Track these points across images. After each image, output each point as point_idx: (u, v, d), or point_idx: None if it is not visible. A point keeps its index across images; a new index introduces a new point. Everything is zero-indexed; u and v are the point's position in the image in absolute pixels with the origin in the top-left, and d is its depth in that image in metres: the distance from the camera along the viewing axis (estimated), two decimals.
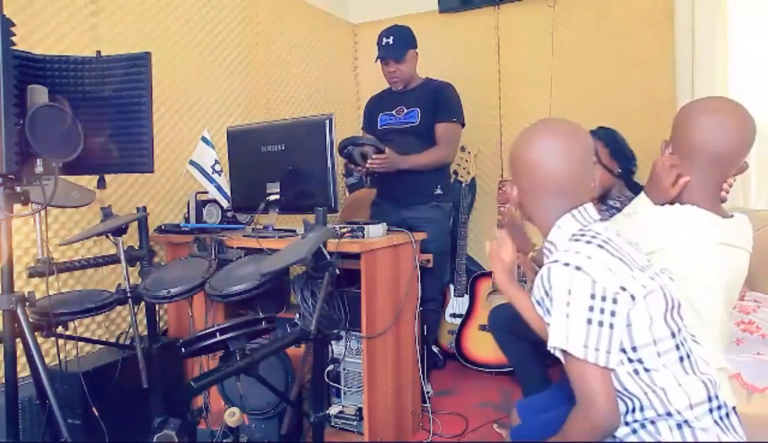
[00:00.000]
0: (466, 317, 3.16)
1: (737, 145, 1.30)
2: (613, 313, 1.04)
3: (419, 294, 2.32)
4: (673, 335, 1.10)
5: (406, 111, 2.84)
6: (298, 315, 1.98)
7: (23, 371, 1.79)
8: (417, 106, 2.82)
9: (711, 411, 1.09)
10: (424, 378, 2.44)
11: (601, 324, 1.04)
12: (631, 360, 1.08)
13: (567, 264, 1.07)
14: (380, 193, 2.94)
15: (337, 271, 1.78)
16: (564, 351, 1.08)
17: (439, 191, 2.82)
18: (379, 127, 2.90)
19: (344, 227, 2.10)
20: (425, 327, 2.75)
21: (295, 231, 2.18)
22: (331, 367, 2.22)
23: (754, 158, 2.80)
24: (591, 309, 1.04)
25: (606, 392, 1.04)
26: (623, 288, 1.05)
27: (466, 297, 3.20)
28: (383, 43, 2.77)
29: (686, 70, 2.88)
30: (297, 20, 3.45)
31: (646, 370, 1.08)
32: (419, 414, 2.40)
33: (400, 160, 2.65)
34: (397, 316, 2.20)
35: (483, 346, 3.05)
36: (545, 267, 1.12)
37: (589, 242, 1.11)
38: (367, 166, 2.56)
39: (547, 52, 3.30)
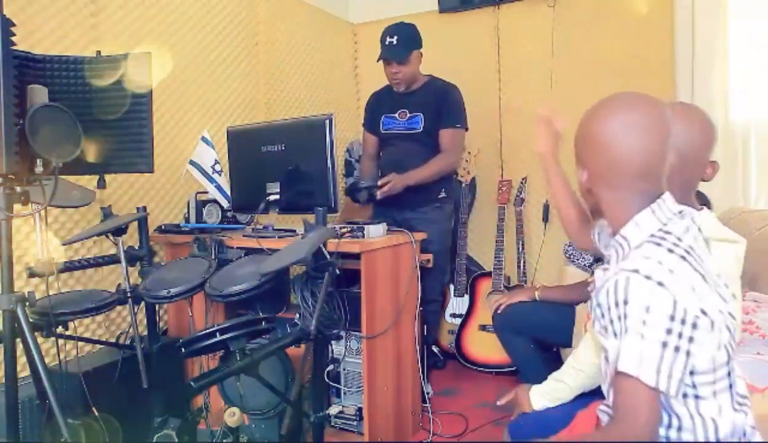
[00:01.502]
0: (466, 317, 3.16)
1: (701, 145, 1.35)
2: (691, 339, 0.95)
3: (419, 294, 2.32)
4: (728, 362, 1.02)
5: (409, 115, 2.80)
6: (298, 315, 1.98)
7: (23, 371, 1.79)
8: (420, 111, 2.77)
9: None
10: (424, 379, 2.44)
11: (677, 349, 0.94)
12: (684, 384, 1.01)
13: (648, 278, 0.96)
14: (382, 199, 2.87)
15: (337, 271, 1.78)
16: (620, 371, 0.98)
17: (443, 194, 2.83)
18: (382, 130, 2.88)
19: (344, 227, 2.10)
20: (425, 327, 2.75)
21: (295, 231, 2.18)
22: (331, 367, 2.22)
23: (753, 158, 2.80)
24: (669, 332, 0.94)
25: (655, 412, 0.97)
26: (704, 312, 0.96)
27: (466, 297, 3.21)
28: (386, 43, 2.69)
29: (686, 70, 2.88)
30: (297, 20, 3.45)
31: (696, 397, 1.01)
32: (419, 414, 2.40)
33: (407, 178, 2.61)
34: (397, 316, 2.20)
35: (483, 346, 3.05)
36: (622, 274, 0.99)
37: (671, 250, 1.00)
38: (378, 196, 2.56)
39: (547, 52, 3.30)
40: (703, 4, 2.82)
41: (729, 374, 1.03)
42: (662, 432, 1.06)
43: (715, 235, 1.32)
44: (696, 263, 1.01)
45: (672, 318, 0.94)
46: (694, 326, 0.95)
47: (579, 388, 1.46)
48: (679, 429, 1.03)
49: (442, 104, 2.76)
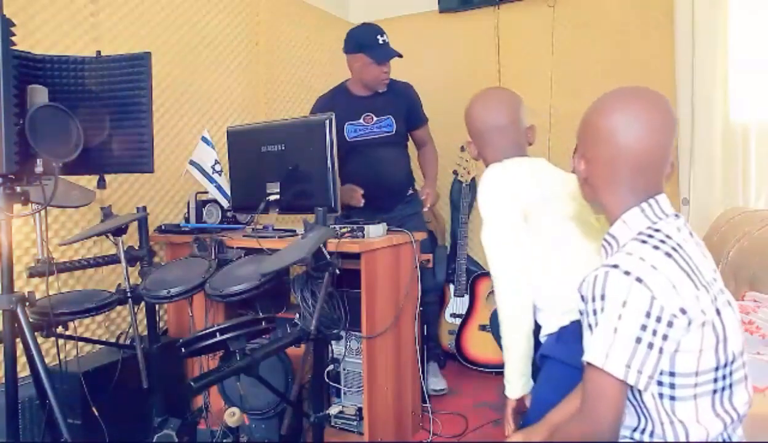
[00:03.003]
0: (466, 317, 3.16)
1: None
2: (665, 337, 0.95)
3: (419, 294, 2.32)
4: (717, 368, 1.00)
5: (377, 118, 2.68)
6: (298, 315, 1.98)
7: (23, 371, 1.79)
8: (389, 114, 2.66)
9: None
10: (424, 377, 2.44)
11: (650, 346, 0.94)
12: (660, 384, 1.00)
13: (627, 274, 0.96)
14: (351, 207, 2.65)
15: (337, 271, 1.78)
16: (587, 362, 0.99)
17: (411, 191, 2.82)
18: (348, 139, 2.67)
19: (344, 227, 2.10)
20: (425, 325, 2.75)
21: (295, 231, 2.18)
22: (331, 367, 2.22)
23: (753, 158, 2.80)
24: (643, 328, 0.94)
25: (619, 404, 0.97)
26: (683, 311, 0.95)
27: (466, 297, 3.20)
28: (381, 42, 2.57)
29: (686, 70, 2.88)
30: (297, 20, 3.45)
31: (672, 398, 1.00)
32: (419, 414, 2.40)
33: (433, 184, 2.77)
34: (397, 316, 2.20)
35: (483, 346, 3.05)
36: (602, 269, 0.99)
37: (656, 247, 0.99)
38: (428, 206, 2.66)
39: (547, 52, 3.30)
40: (703, 4, 2.82)
41: (715, 380, 1.01)
42: (636, 435, 1.05)
43: None
44: (683, 261, 0.99)
45: (648, 314, 0.94)
46: (670, 324, 0.95)
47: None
48: (651, 434, 1.02)
49: (410, 105, 2.73)
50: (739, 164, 2.81)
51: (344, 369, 2.24)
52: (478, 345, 3.08)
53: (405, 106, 2.71)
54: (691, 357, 0.98)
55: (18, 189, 1.47)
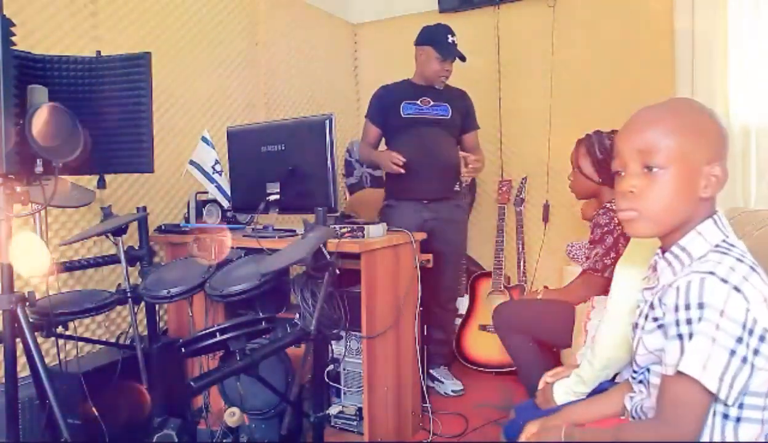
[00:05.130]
0: (466, 317, 3.16)
1: None
2: (756, 352, 0.90)
3: (419, 294, 2.32)
4: None
5: (432, 103, 2.80)
6: (298, 315, 1.98)
7: (23, 371, 1.79)
8: (446, 102, 2.82)
9: None
10: (425, 377, 2.44)
11: (744, 360, 0.90)
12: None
13: (725, 281, 0.91)
14: (397, 192, 2.81)
15: (337, 271, 1.78)
16: (681, 372, 0.93)
17: (457, 188, 2.86)
18: (403, 115, 2.78)
19: (344, 227, 2.10)
20: (425, 328, 2.75)
21: (295, 231, 2.18)
22: (331, 367, 2.22)
23: (753, 158, 2.80)
24: (740, 340, 0.89)
25: (704, 418, 0.94)
26: None
27: (466, 297, 3.20)
28: (450, 41, 2.74)
29: (686, 70, 2.88)
30: (297, 20, 3.45)
31: (738, 419, 0.95)
32: (419, 414, 2.40)
33: (481, 159, 2.78)
34: (397, 316, 2.20)
35: (483, 346, 3.05)
36: (695, 276, 0.93)
37: (740, 260, 0.95)
38: (466, 173, 2.64)
39: (547, 52, 3.30)
40: (703, 4, 2.82)
41: None
42: None
43: None
44: (764, 277, 0.96)
45: (743, 326, 0.90)
46: (762, 339, 0.91)
47: (595, 381, 1.47)
48: None
49: (467, 107, 2.88)
50: (738, 164, 2.81)
51: (344, 369, 2.24)
52: (478, 346, 3.08)
53: (461, 106, 2.86)
54: (767, 375, 0.93)
55: (18, 189, 1.47)
